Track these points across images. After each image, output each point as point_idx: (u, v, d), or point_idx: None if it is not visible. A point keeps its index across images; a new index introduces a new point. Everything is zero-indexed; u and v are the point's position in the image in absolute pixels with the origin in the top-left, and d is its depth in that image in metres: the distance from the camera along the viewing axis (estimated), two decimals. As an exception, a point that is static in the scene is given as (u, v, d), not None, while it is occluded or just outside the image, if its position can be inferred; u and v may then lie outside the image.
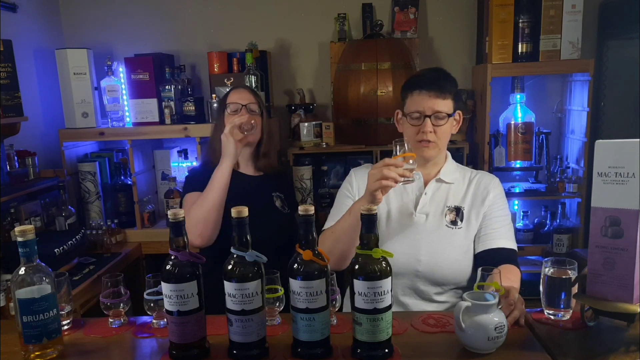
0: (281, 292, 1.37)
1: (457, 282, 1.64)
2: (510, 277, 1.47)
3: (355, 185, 1.73)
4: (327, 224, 1.68)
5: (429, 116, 1.58)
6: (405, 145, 1.46)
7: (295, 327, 1.17)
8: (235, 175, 1.89)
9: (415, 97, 1.60)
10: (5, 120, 2.23)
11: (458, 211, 1.65)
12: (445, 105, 1.59)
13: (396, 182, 1.41)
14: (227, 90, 2.06)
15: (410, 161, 1.44)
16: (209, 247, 1.81)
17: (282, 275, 1.34)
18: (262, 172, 1.99)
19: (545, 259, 1.36)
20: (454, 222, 1.64)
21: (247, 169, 1.98)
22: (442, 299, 1.64)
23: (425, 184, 1.68)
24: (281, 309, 1.38)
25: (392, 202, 1.68)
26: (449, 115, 1.60)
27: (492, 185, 1.68)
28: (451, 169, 1.71)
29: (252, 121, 1.87)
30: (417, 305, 1.64)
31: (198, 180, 1.87)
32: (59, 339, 1.24)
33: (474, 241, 1.65)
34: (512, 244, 1.63)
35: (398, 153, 1.46)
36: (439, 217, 1.64)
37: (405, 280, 1.63)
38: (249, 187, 1.92)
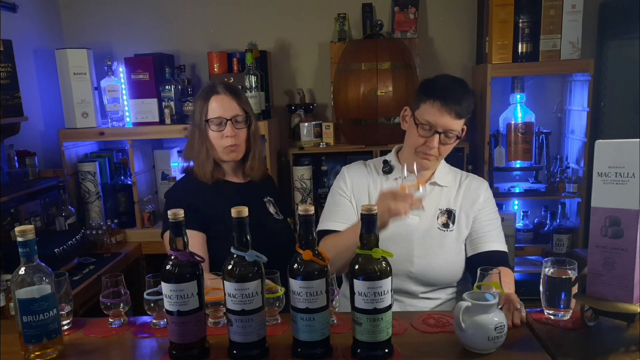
0: (281, 292, 1.37)
1: (448, 283, 1.66)
2: (506, 280, 1.48)
3: (349, 183, 1.71)
4: (322, 225, 1.67)
5: (440, 133, 1.54)
6: (415, 171, 1.43)
7: (295, 327, 1.17)
8: (223, 184, 1.80)
9: (434, 107, 1.53)
10: (5, 120, 2.23)
11: (450, 214, 1.67)
12: (459, 125, 1.57)
13: (407, 213, 1.37)
14: (206, 88, 1.80)
15: (420, 189, 1.39)
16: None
17: (282, 276, 1.34)
18: (249, 178, 1.86)
19: (545, 259, 1.36)
20: (445, 225, 1.65)
21: (235, 177, 1.85)
22: (432, 296, 1.66)
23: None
24: (281, 309, 1.38)
25: None
26: (458, 137, 1.58)
27: (482, 188, 1.70)
28: (444, 172, 1.72)
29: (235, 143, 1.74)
30: (407, 301, 1.65)
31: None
32: (59, 339, 1.24)
33: (465, 244, 1.67)
34: (503, 247, 1.65)
35: (406, 177, 1.42)
36: (431, 219, 1.66)
37: (397, 280, 1.62)
38: (240, 195, 1.79)
